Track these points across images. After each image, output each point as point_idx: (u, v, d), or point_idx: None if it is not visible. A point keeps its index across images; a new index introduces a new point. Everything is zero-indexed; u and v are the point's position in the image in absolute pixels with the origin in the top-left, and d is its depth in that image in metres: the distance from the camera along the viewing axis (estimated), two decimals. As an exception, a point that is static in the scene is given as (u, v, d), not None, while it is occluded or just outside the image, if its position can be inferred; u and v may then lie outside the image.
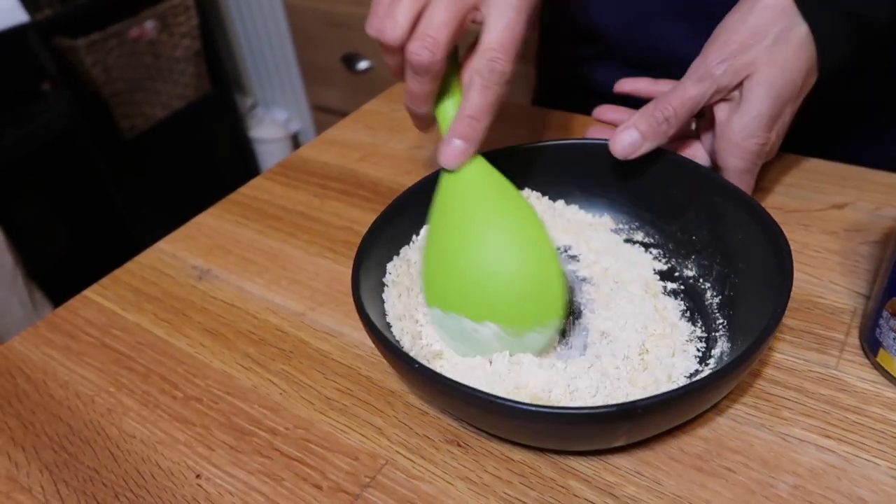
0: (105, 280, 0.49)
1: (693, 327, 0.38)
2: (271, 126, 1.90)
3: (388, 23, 0.36)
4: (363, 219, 0.51)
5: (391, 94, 0.69)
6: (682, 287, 0.41)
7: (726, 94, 0.41)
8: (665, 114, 0.40)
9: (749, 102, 0.40)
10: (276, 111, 1.97)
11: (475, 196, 0.37)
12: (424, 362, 0.33)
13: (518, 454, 0.34)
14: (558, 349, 0.38)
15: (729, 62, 0.39)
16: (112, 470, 0.35)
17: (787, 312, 0.39)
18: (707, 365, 0.36)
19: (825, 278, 0.41)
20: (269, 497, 0.33)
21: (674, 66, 0.57)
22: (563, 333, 0.39)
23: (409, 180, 0.55)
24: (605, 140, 0.42)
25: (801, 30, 0.39)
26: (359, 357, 0.40)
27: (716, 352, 0.36)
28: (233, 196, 0.56)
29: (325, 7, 1.51)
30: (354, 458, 0.34)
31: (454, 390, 0.29)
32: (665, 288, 0.41)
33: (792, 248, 0.43)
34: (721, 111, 0.41)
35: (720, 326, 0.38)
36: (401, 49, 0.36)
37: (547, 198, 0.46)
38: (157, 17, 1.49)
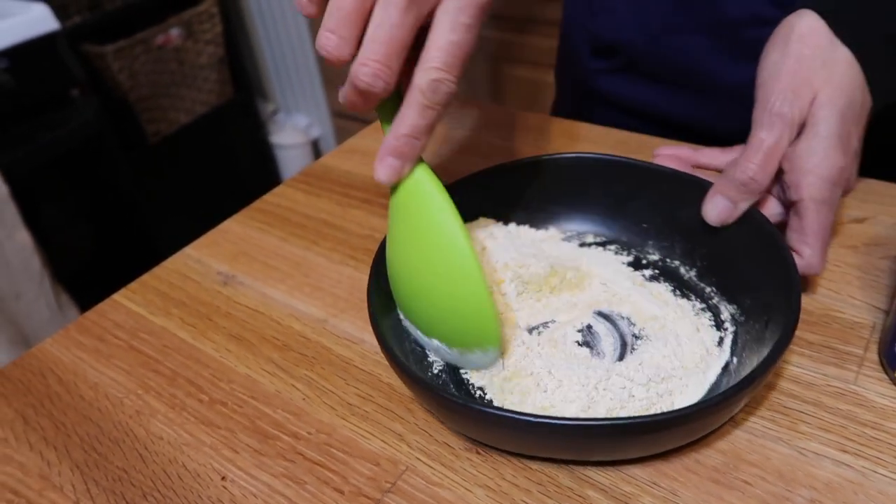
0: (133, 284, 0.50)
1: (690, 301, 0.41)
2: (292, 132, 1.92)
3: (324, 40, 0.32)
4: (385, 227, 0.52)
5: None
6: (657, 271, 0.43)
7: (798, 128, 0.39)
8: (749, 173, 0.38)
9: (816, 126, 0.38)
10: (297, 117, 1.99)
11: (412, 214, 0.36)
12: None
13: (536, 463, 0.34)
14: (593, 361, 0.38)
15: (789, 97, 0.38)
16: (140, 470, 0.36)
17: (805, 326, 0.39)
18: (725, 329, 0.38)
19: (844, 292, 0.41)
20: (291, 500, 0.34)
21: (695, 80, 0.58)
22: (588, 345, 0.39)
23: (429, 190, 0.56)
24: (541, 156, 0.44)
25: (843, 51, 0.39)
26: (380, 364, 0.41)
27: (725, 315, 0.39)
28: (257, 203, 0.58)
29: (346, 15, 1.53)
30: (375, 464, 0.35)
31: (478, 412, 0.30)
32: (645, 275, 0.43)
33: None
34: (788, 148, 0.39)
35: (712, 294, 0.41)
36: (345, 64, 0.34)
37: (501, 223, 0.46)
38: (182, 25, 1.51)
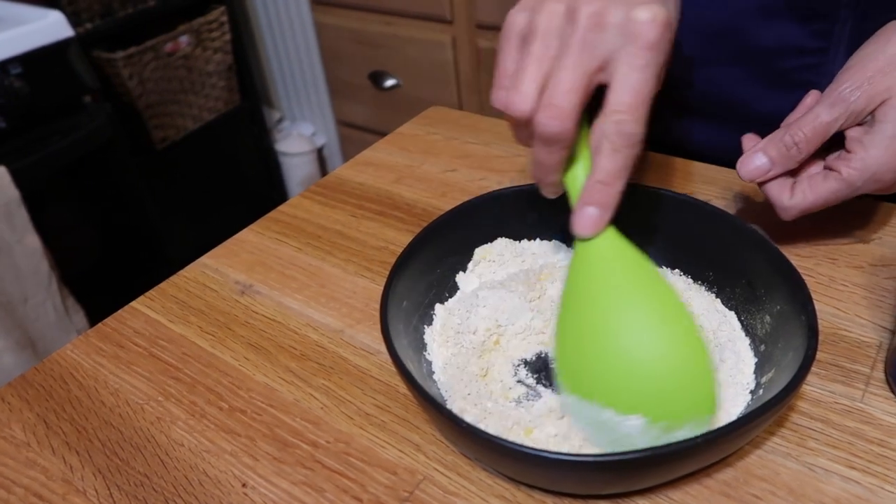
0: (152, 292, 0.51)
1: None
2: (297, 140, 1.93)
3: (513, 95, 0.35)
4: (398, 239, 0.53)
5: (426, 117, 0.71)
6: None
7: (859, 119, 0.41)
8: (795, 139, 0.41)
9: (883, 124, 0.40)
10: (302, 125, 2.00)
11: (615, 271, 0.35)
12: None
13: (551, 474, 0.35)
14: None
15: (864, 88, 0.40)
16: (162, 476, 0.37)
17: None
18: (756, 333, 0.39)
19: (851, 312, 0.42)
20: (311, 507, 0.35)
21: (730, 110, 0.56)
22: None
23: (443, 202, 0.57)
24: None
25: None
26: (396, 375, 0.41)
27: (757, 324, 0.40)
28: (272, 214, 0.58)
29: (354, 25, 1.54)
30: (393, 473, 0.36)
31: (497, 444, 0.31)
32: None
33: (818, 281, 0.45)
34: (855, 130, 0.41)
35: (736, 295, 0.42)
36: (529, 122, 0.35)
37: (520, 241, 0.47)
38: (191, 33, 1.53)
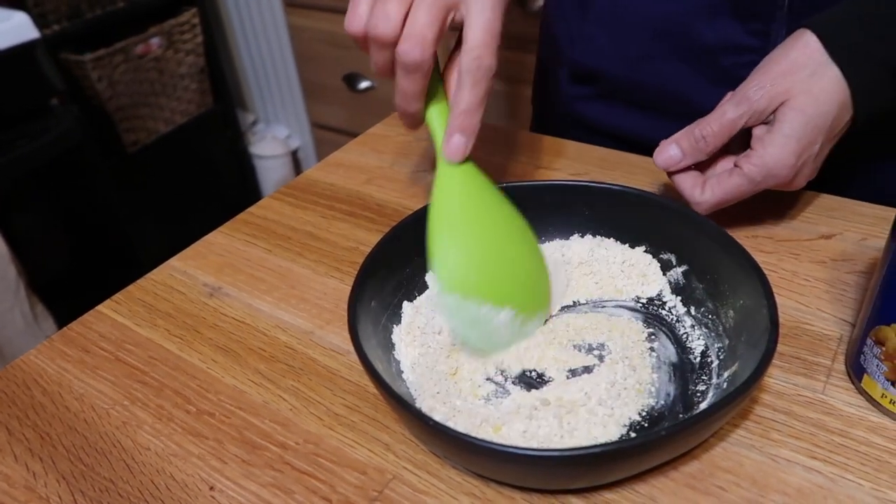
0: (118, 296, 0.50)
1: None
2: (272, 142, 1.92)
3: (381, 19, 0.38)
4: (369, 240, 0.53)
5: (397, 118, 0.70)
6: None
7: (763, 117, 0.44)
8: (704, 133, 0.44)
9: (781, 123, 0.43)
10: (276, 128, 1.99)
11: (484, 190, 0.41)
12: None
13: (520, 471, 0.35)
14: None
15: (766, 89, 0.43)
16: (128, 481, 0.37)
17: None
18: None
19: (813, 306, 0.43)
20: (280, 509, 0.34)
21: (674, 105, 0.58)
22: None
23: (413, 203, 0.57)
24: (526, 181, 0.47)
25: (834, 70, 0.42)
26: (365, 375, 0.41)
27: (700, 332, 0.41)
28: (242, 215, 0.58)
29: (327, 27, 1.54)
30: (363, 473, 0.36)
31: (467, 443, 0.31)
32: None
33: (782, 276, 0.46)
34: (759, 129, 0.44)
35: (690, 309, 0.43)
36: (391, 45, 0.39)
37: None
38: (162, 34, 1.51)
